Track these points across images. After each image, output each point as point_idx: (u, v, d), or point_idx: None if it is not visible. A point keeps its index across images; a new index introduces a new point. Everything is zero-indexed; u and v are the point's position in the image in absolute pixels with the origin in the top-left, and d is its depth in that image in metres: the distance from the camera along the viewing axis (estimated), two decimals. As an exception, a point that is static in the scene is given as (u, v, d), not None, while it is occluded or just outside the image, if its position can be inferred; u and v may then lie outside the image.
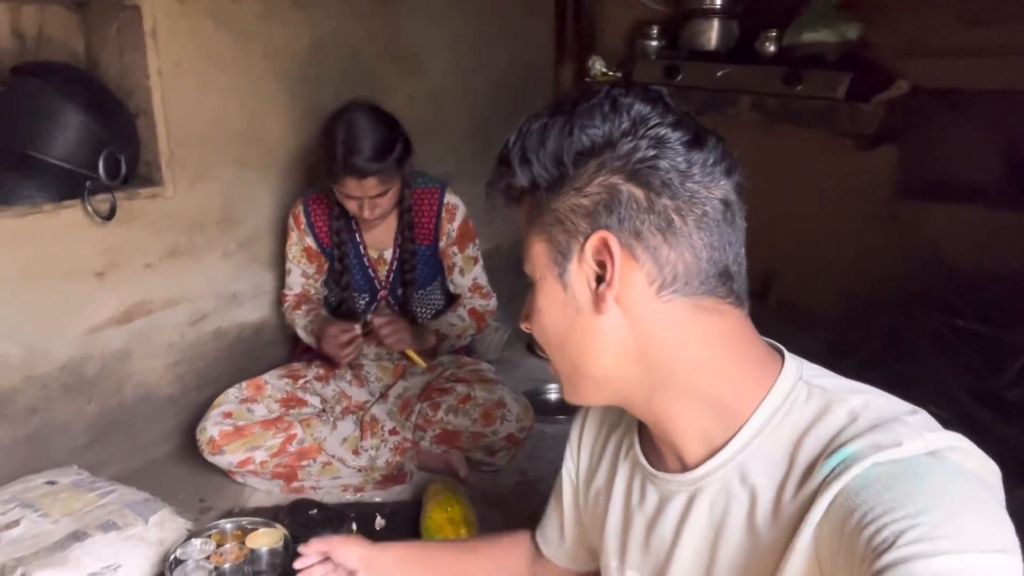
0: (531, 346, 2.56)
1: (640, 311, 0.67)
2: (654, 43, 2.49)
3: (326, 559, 1.07)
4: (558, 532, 1.00)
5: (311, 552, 1.07)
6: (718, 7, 2.26)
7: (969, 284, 1.95)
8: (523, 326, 0.78)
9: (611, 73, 2.57)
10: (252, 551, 1.46)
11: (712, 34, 2.29)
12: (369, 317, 1.84)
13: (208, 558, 1.44)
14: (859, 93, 1.98)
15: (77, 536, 1.46)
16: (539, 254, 0.71)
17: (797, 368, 0.70)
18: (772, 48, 2.18)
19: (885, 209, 2.12)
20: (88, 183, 1.64)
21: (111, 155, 1.65)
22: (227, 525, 1.52)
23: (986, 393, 1.73)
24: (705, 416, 0.69)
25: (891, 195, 2.13)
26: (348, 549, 1.06)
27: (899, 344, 1.95)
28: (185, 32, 1.77)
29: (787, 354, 0.73)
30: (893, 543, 0.52)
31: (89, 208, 1.66)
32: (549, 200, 0.69)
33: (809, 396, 0.67)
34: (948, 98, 1.97)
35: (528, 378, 2.35)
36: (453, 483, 1.73)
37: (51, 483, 1.64)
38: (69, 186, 1.63)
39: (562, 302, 0.70)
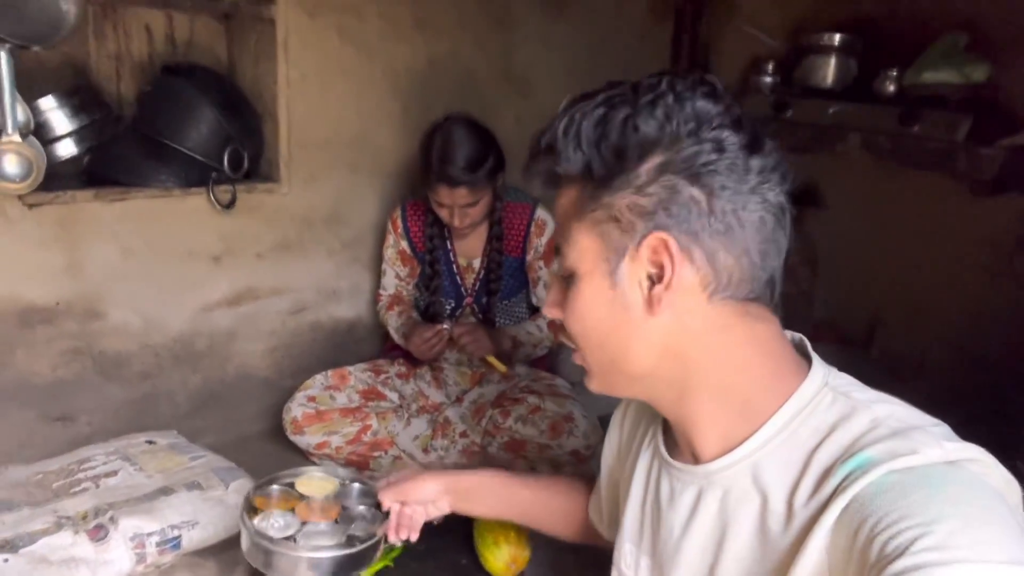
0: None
1: (690, 314, 0.66)
2: (768, 79, 2.46)
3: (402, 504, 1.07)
4: (597, 501, 1.05)
5: (388, 503, 1.08)
6: (836, 44, 2.21)
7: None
8: (549, 312, 0.77)
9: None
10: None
11: (828, 71, 2.23)
12: (450, 326, 1.91)
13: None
14: (981, 136, 1.87)
15: (165, 491, 1.59)
16: (587, 249, 0.68)
17: (824, 375, 0.69)
18: (892, 88, 2.10)
19: (1004, 263, 1.98)
20: (214, 174, 1.82)
21: (236, 150, 1.82)
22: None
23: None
24: (730, 416, 0.69)
25: (1012, 249, 1.98)
26: (422, 487, 1.06)
27: (1008, 406, 1.80)
28: (313, 45, 1.93)
29: (816, 360, 0.72)
30: (906, 549, 0.52)
31: (212, 196, 1.83)
32: (602, 193, 0.66)
33: (833, 402, 0.66)
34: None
35: (606, 402, 2.32)
36: (513, 491, 1.75)
37: (151, 442, 1.79)
38: (197, 175, 1.81)
39: (609, 300, 0.68)
